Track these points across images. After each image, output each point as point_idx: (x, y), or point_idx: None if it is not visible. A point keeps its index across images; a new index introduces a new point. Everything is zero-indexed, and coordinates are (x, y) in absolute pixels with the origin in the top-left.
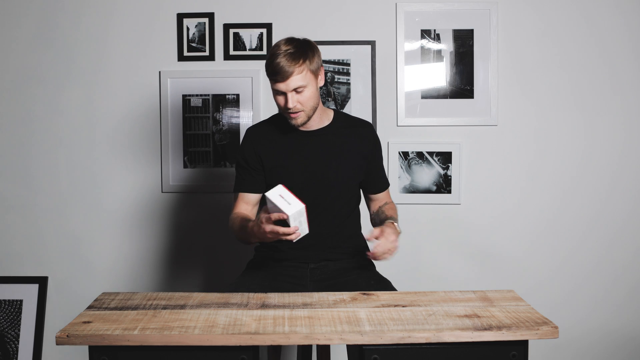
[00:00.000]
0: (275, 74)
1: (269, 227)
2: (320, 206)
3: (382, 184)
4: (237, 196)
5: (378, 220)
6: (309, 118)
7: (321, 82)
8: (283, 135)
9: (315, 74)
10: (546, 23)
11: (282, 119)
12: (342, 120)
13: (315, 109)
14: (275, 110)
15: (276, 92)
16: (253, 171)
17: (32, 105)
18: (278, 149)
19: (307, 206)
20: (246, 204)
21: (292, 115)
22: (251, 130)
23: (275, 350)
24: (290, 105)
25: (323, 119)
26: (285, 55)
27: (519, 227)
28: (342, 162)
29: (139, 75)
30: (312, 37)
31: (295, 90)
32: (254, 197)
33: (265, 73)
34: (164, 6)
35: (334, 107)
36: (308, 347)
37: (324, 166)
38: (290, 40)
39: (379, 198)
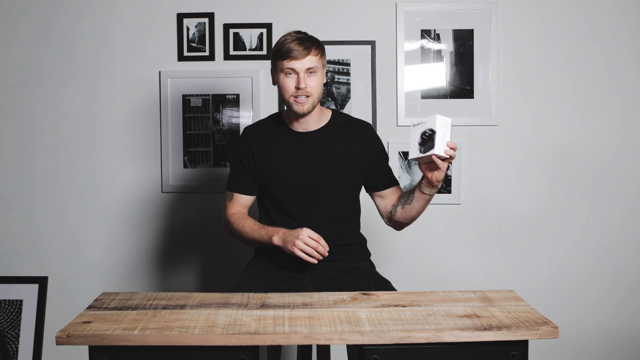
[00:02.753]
0: (291, 52)
1: (307, 234)
2: (315, 208)
3: (390, 180)
4: (231, 196)
5: (405, 201)
6: (313, 107)
7: (324, 80)
8: (279, 135)
9: (323, 66)
10: (546, 23)
11: (280, 120)
12: (339, 121)
13: (319, 101)
14: (274, 110)
15: (287, 73)
16: (247, 172)
17: (32, 105)
18: (273, 149)
19: (302, 208)
20: (240, 207)
21: (300, 101)
22: (248, 129)
23: (276, 350)
24: (302, 85)
25: (321, 119)
26: (301, 37)
27: (518, 227)
28: (335, 164)
29: (139, 75)
30: None
31: (308, 71)
32: (248, 200)
33: (264, 73)
34: (164, 6)
35: (334, 107)
36: (308, 347)
37: (317, 168)
38: (299, 32)
39: (389, 194)
